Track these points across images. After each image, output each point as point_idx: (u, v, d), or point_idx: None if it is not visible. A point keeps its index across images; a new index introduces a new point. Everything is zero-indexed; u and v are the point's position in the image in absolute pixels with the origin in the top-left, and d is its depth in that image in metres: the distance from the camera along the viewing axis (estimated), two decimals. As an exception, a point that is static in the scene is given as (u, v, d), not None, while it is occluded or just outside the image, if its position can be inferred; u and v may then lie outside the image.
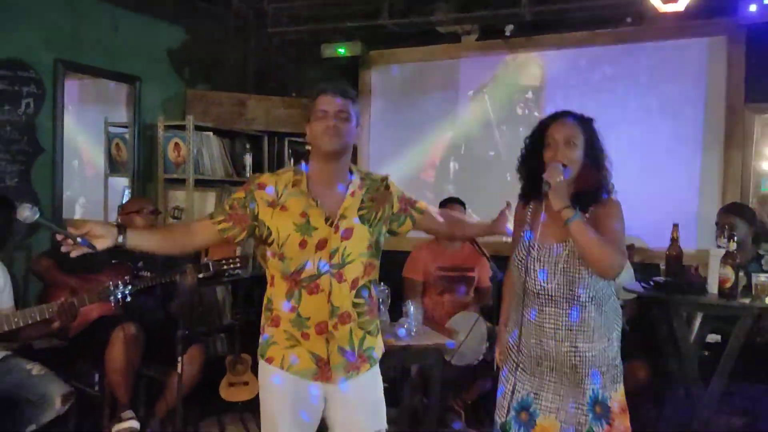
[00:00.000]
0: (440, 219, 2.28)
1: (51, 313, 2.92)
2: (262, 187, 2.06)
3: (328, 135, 2.01)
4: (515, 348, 2.16)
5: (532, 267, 2.10)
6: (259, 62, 5.22)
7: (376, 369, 2.17)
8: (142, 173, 4.51)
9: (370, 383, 2.15)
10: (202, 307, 4.49)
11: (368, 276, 2.10)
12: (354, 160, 2.24)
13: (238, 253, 4.54)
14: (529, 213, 2.20)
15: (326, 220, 2.03)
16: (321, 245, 2.01)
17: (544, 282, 2.08)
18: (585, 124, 2.14)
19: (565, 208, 2.00)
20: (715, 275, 2.62)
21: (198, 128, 4.44)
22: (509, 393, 2.14)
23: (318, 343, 2.04)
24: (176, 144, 4.44)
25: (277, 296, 2.07)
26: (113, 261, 3.35)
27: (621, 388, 2.15)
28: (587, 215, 2.07)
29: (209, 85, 4.95)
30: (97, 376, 3.47)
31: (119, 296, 3.04)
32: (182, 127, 4.40)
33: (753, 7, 3.60)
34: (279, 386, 2.06)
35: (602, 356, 2.09)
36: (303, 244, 2.01)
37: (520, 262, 2.13)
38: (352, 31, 4.63)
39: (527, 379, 2.14)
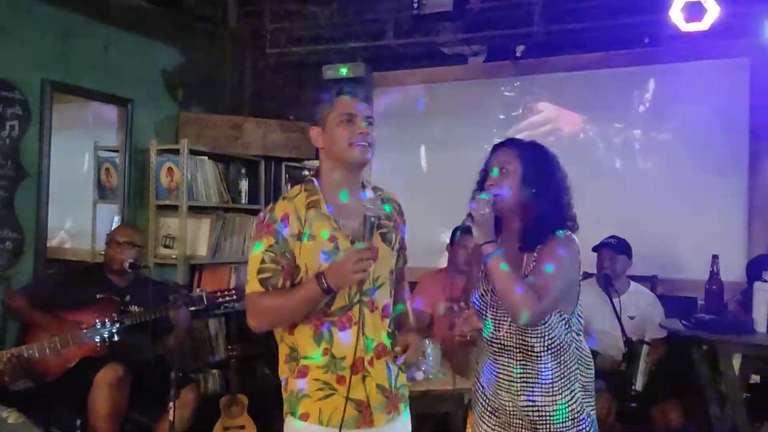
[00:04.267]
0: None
1: None
2: (285, 220, 1.81)
3: (360, 145, 1.79)
4: (481, 393, 2.02)
5: (484, 312, 1.94)
6: (256, 84, 5.06)
7: (408, 413, 1.96)
8: (133, 199, 4.29)
9: (404, 428, 1.94)
10: (194, 342, 4.23)
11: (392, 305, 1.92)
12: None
13: (232, 283, 4.32)
14: None
15: (352, 242, 1.80)
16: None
17: (494, 329, 1.91)
18: (526, 151, 1.94)
19: (487, 244, 1.84)
20: (763, 312, 2.40)
21: (192, 152, 4.24)
22: None
23: (355, 386, 1.81)
24: (169, 169, 4.25)
25: (303, 343, 1.83)
26: (98, 296, 3.10)
27: None
28: (534, 255, 1.88)
29: (204, 108, 4.76)
30: (79, 422, 3.19)
31: (105, 335, 2.79)
32: (176, 151, 4.21)
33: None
34: None
35: (565, 411, 1.88)
36: None
37: (478, 306, 1.97)
38: (354, 51, 4.46)
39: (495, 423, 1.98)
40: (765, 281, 2.44)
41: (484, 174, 1.97)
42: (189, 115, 4.61)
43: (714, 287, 2.73)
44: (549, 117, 4.33)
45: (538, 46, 4.14)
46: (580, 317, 1.94)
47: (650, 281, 3.71)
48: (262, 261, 1.79)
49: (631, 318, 3.36)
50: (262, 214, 1.86)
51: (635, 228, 3.77)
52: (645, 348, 3.00)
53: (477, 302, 1.99)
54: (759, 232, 3.70)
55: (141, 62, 4.33)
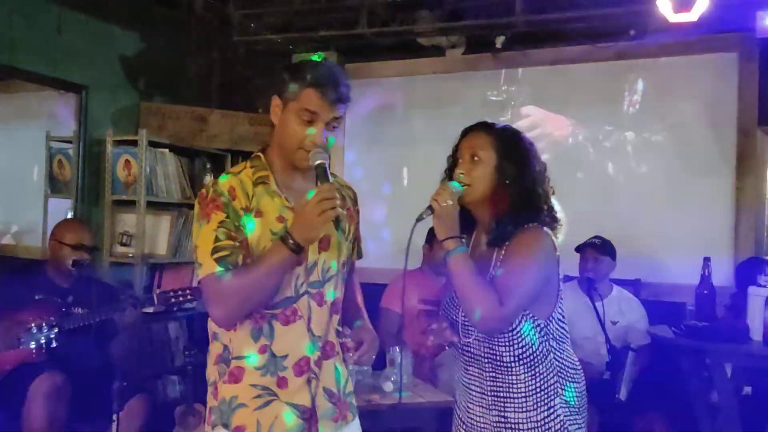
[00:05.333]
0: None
1: None
2: (232, 194, 1.60)
3: (309, 151, 1.57)
4: (456, 406, 1.89)
5: (454, 316, 1.76)
6: (223, 74, 4.82)
7: (357, 422, 1.76)
8: (87, 194, 4.02)
9: None
10: (152, 347, 3.97)
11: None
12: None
13: (194, 283, 4.07)
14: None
15: None
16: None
17: (464, 336, 1.75)
18: (501, 137, 1.73)
19: (449, 239, 1.65)
20: (759, 319, 2.22)
21: (152, 144, 3.99)
22: None
23: (299, 389, 1.60)
24: (127, 161, 3.98)
25: (238, 340, 1.60)
26: (36, 297, 2.83)
27: None
28: (503, 251, 1.69)
29: (167, 98, 4.50)
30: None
31: (42, 341, 2.52)
32: (134, 143, 3.94)
33: (768, 21, 3.30)
34: None
35: (542, 429, 1.69)
36: None
37: (447, 309, 1.81)
38: (326, 40, 4.23)
39: None
40: (761, 286, 2.26)
41: (453, 161, 1.77)
42: (150, 105, 4.36)
43: (705, 292, 2.56)
44: (534, 116, 4.15)
45: (519, 37, 3.95)
46: (562, 323, 1.73)
47: (633, 285, 3.54)
48: (216, 239, 1.55)
49: (614, 323, 3.20)
50: (203, 191, 1.63)
51: (617, 229, 3.58)
52: (630, 355, 2.83)
53: (447, 306, 1.80)
54: (746, 234, 3.55)
55: (97, 47, 4.05)
